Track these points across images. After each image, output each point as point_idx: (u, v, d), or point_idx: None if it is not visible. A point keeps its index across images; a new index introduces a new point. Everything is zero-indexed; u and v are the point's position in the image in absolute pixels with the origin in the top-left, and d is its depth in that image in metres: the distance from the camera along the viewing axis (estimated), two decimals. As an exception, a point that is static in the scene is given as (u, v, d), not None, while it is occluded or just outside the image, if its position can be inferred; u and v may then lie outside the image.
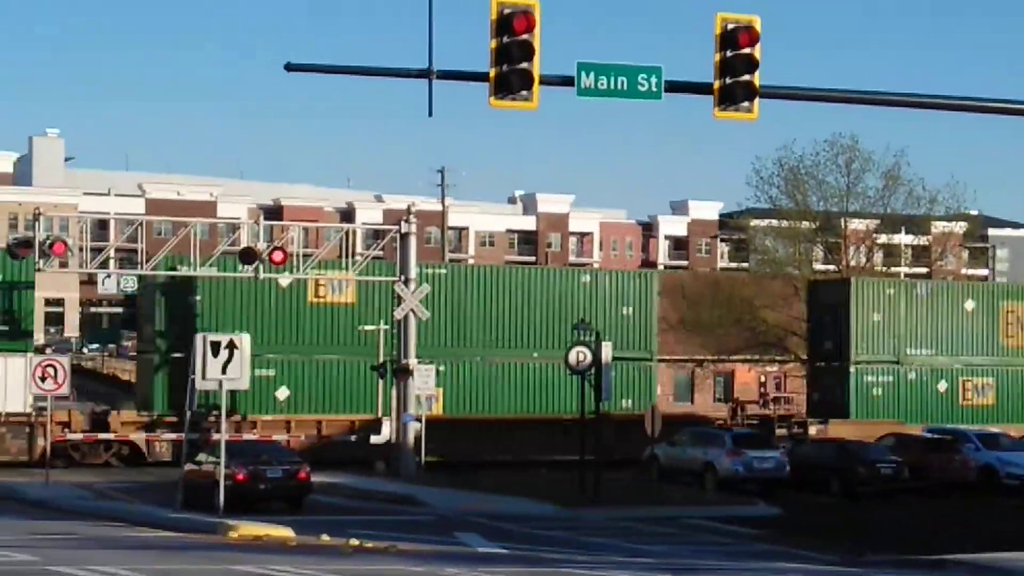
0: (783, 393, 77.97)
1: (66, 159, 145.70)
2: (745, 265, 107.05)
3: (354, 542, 32.11)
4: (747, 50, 26.89)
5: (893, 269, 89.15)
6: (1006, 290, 68.84)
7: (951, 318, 64.12)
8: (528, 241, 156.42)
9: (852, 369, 62.02)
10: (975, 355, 64.23)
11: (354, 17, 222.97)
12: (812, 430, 59.83)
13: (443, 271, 61.08)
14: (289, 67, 27.22)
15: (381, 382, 55.46)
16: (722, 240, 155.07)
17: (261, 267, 52.46)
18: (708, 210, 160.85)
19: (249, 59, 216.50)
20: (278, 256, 52.33)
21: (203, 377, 36.72)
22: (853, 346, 62.23)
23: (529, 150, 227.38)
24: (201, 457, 41.40)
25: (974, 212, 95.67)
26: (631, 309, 61.39)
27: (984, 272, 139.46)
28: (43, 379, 45.35)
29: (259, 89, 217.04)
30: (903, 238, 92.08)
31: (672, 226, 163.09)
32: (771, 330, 79.86)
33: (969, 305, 64.36)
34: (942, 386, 63.30)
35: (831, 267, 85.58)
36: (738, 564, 31.91)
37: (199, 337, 37.42)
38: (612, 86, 27.05)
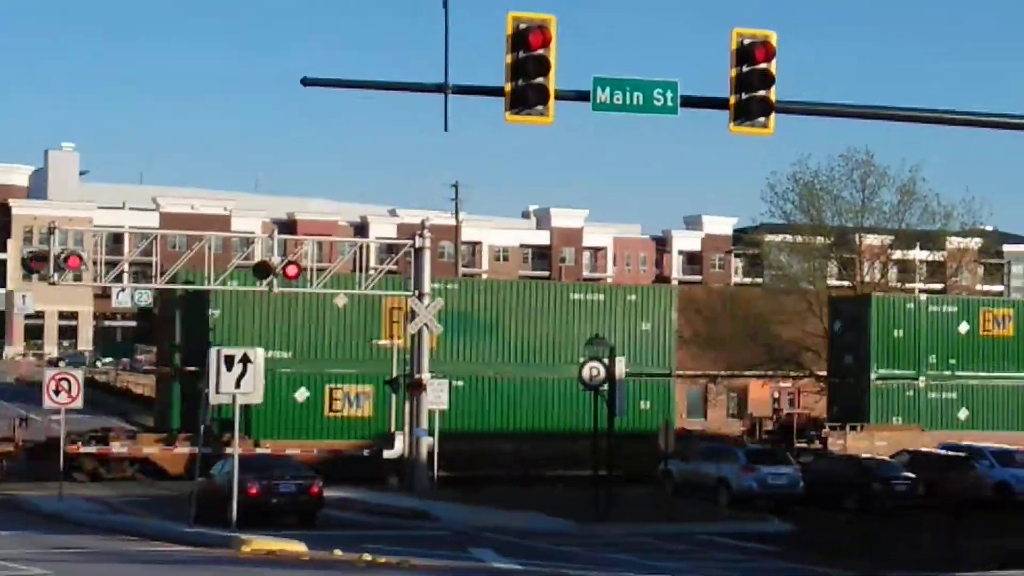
0: (797, 408, 77.59)
1: (81, 173, 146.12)
2: (759, 280, 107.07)
3: (367, 557, 32.01)
4: (763, 65, 26.81)
5: (908, 285, 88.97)
6: (391, 284, 56.80)
7: (316, 317, 56.51)
8: (542, 256, 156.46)
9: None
10: (346, 358, 56.84)
11: (370, 31, 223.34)
12: None
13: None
14: (305, 82, 27.21)
15: (395, 396, 55.43)
16: (736, 255, 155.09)
17: (275, 281, 52.47)
18: (722, 225, 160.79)
19: (264, 74, 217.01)
20: (292, 270, 52.30)
21: (217, 391, 36.70)
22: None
23: (544, 165, 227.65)
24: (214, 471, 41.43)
25: (989, 228, 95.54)
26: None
27: (999, 288, 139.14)
28: (57, 392, 45.36)
29: (274, 103, 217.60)
30: (918, 254, 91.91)
31: (686, 241, 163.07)
32: (785, 345, 79.77)
33: (340, 301, 56.25)
34: (301, 394, 56.44)
35: (846, 283, 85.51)
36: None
37: (213, 351, 37.37)
38: (628, 101, 26.99)
